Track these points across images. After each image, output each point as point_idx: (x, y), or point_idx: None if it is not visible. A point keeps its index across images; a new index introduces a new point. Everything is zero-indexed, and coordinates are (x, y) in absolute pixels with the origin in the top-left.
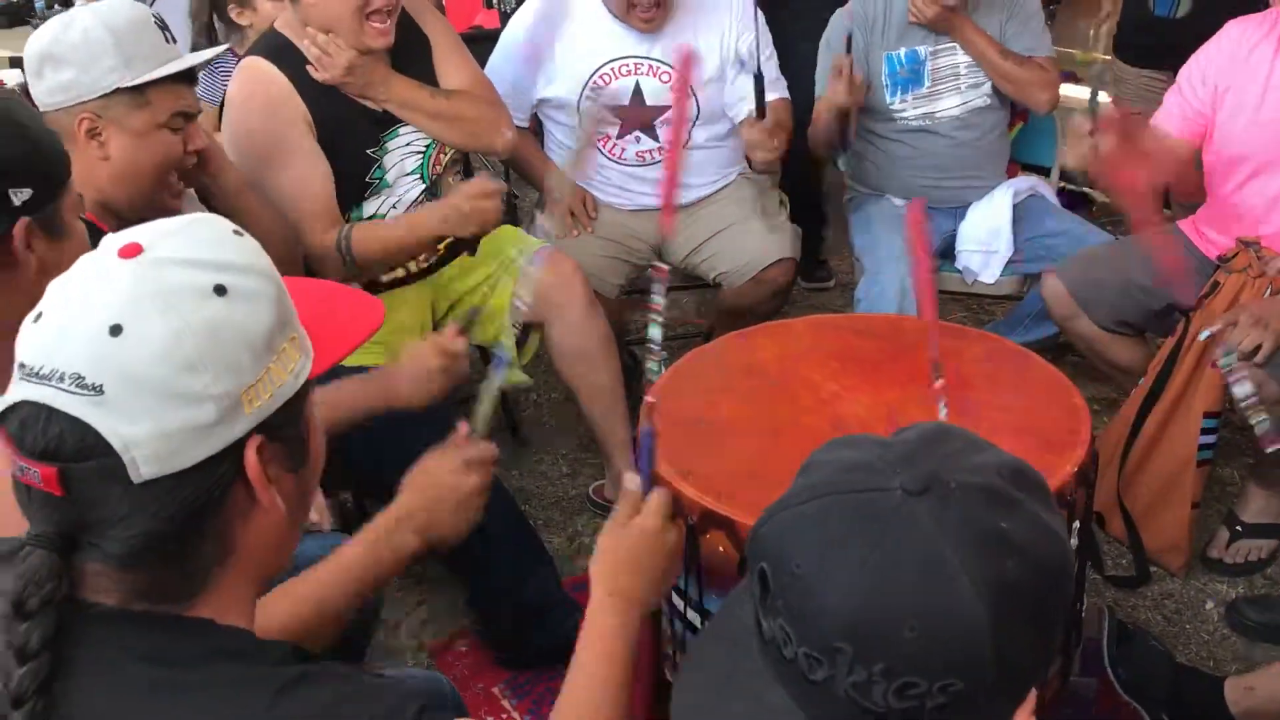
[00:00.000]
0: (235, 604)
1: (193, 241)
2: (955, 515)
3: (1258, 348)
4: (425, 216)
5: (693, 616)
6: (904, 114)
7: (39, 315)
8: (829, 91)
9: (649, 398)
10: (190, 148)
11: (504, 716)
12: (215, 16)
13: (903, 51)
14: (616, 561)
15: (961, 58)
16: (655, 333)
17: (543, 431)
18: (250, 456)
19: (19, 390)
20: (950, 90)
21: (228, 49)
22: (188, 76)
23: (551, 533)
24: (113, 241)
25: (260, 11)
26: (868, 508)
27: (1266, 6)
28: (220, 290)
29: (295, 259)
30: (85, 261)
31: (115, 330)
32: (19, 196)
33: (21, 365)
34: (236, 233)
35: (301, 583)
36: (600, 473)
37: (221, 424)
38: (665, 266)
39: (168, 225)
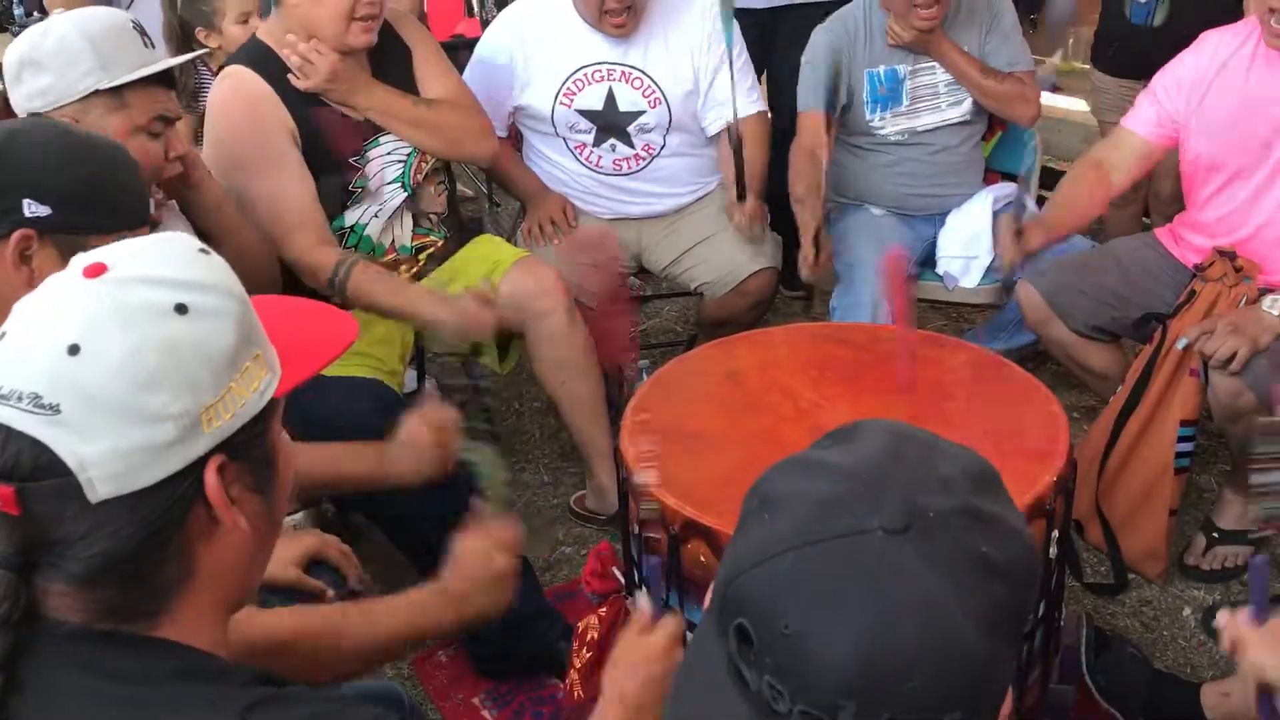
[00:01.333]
0: (202, 626)
1: (157, 260)
2: (942, 550)
3: (1233, 356)
4: (425, 302)
5: None
6: (883, 130)
7: (3, 334)
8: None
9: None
10: (171, 154)
11: None
12: (185, 40)
13: (882, 70)
14: (625, 669)
15: (941, 76)
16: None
17: (523, 440)
18: (210, 477)
19: None
20: (929, 109)
21: (206, 51)
22: (167, 80)
23: (532, 542)
24: (80, 261)
25: (226, 35)
26: (853, 557)
27: (1242, 16)
28: (181, 309)
29: (274, 274)
30: (52, 281)
31: (73, 349)
32: (33, 209)
33: None
34: (203, 251)
35: (342, 607)
36: (582, 483)
37: (180, 443)
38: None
39: (134, 245)
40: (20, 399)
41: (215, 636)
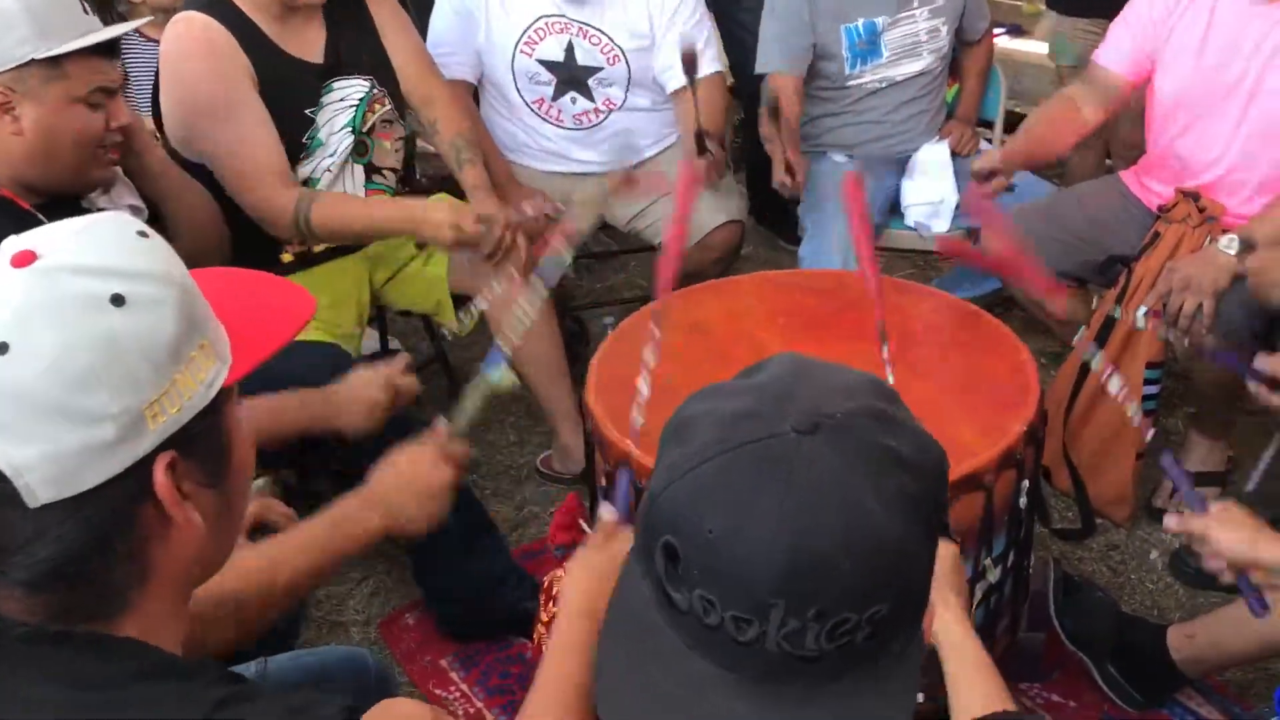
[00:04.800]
0: (162, 623)
1: (91, 246)
2: (850, 444)
3: (1199, 309)
4: (393, 213)
5: None
6: (860, 82)
7: None
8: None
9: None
10: (113, 124)
11: (452, 689)
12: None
13: (860, 23)
14: (591, 585)
15: (921, 25)
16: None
17: (490, 400)
18: (159, 475)
19: None
20: (910, 57)
21: (148, 20)
22: (108, 50)
23: (499, 502)
24: (9, 247)
25: None
26: (767, 456)
27: None
28: (118, 300)
29: (223, 236)
30: None
31: (1, 349)
32: None
33: None
34: (141, 234)
35: (254, 554)
36: (548, 442)
37: (123, 443)
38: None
39: (66, 228)
40: None
41: (175, 632)
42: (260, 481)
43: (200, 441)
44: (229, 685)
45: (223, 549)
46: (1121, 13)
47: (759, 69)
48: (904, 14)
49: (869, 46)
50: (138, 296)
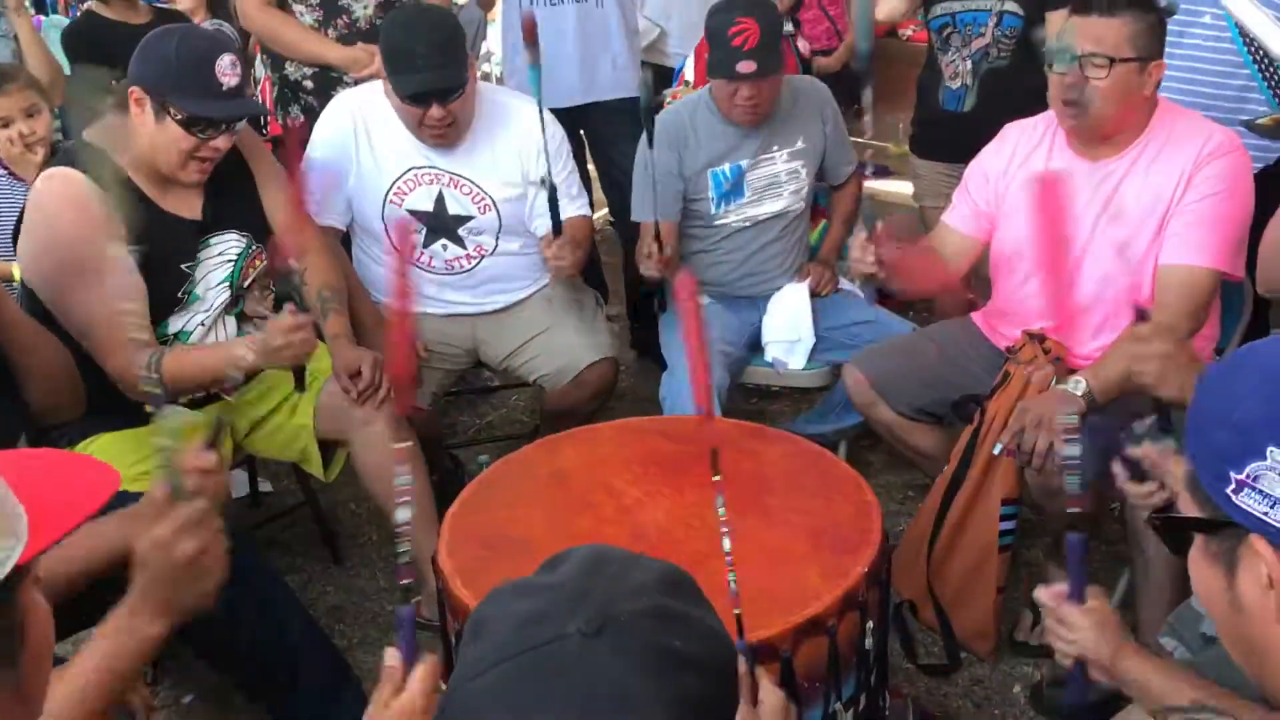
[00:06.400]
0: None
1: None
2: (634, 646)
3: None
4: (240, 349)
5: None
6: (726, 221)
7: None
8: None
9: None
10: None
11: None
12: None
13: (727, 166)
14: None
15: (780, 166)
16: (403, 515)
17: (360, 544)
18: None
19: None
20: (771, 197)
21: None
22: None
23: (366, 652)
24: None
25: None
26: (550, 663)
27: (1045, 105)
28: None
29: (78, 394)
30: None
31: None
32: None
33: None
34: None
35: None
36: (420, 587)
37: None
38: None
39: None
40: None
41: None
42: None
43: None
44: None
45: None
46: (962, 179)
47: (635, 218)
48: (764, 156)
49: (733, 187)
50: None
